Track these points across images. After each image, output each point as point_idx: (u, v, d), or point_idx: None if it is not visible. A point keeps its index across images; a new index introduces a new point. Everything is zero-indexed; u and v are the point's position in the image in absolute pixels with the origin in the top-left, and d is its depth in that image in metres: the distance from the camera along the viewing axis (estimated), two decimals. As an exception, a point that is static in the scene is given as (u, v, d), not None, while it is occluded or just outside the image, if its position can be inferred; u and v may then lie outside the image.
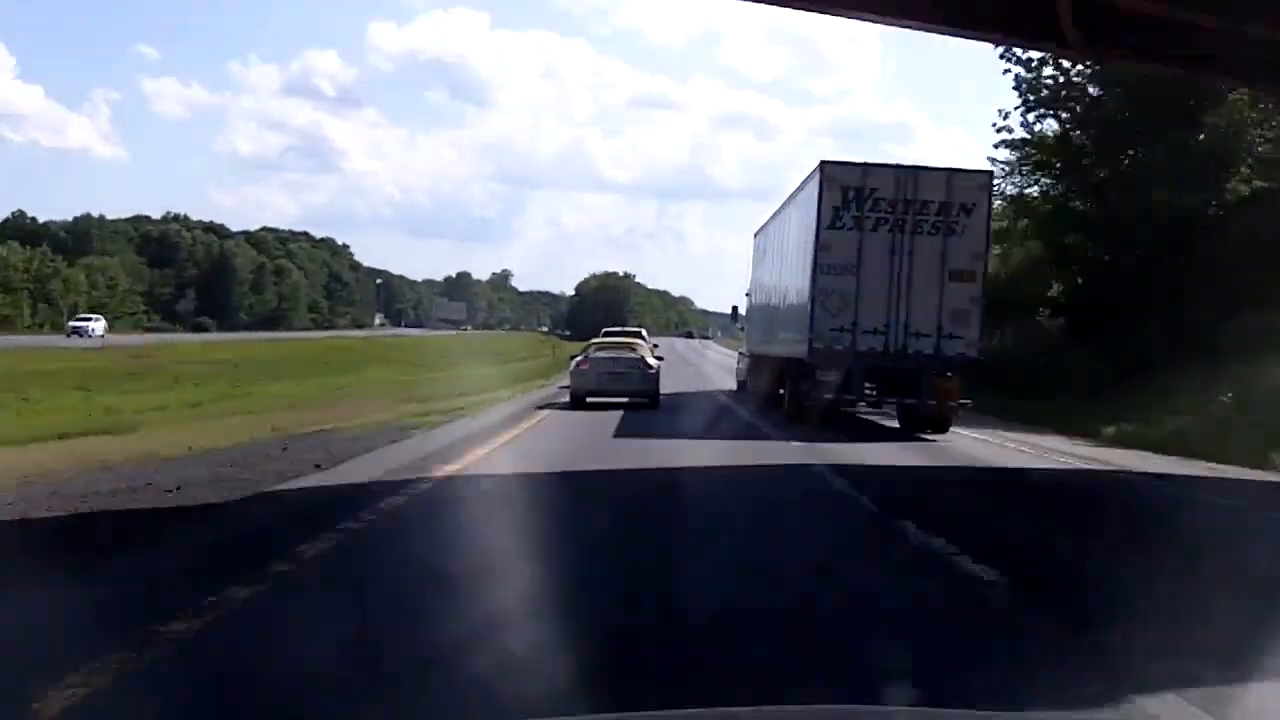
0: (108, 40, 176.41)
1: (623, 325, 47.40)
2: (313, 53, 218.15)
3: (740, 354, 30.13)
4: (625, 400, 19.00)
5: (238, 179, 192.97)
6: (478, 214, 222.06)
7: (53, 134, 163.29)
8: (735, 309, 29.65)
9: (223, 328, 78.27)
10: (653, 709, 3.38)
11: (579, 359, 19.82)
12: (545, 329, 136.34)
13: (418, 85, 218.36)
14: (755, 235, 26.58)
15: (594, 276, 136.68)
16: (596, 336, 26.37)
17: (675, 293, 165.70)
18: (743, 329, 28.34)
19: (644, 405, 18.78)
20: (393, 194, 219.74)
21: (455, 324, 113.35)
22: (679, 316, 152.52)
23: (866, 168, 15.94)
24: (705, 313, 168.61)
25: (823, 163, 16.04)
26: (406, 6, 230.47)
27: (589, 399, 18.77)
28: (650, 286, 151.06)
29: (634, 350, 20.17)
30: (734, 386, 28.84)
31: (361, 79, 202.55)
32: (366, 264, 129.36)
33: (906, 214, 15.43)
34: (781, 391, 19.41)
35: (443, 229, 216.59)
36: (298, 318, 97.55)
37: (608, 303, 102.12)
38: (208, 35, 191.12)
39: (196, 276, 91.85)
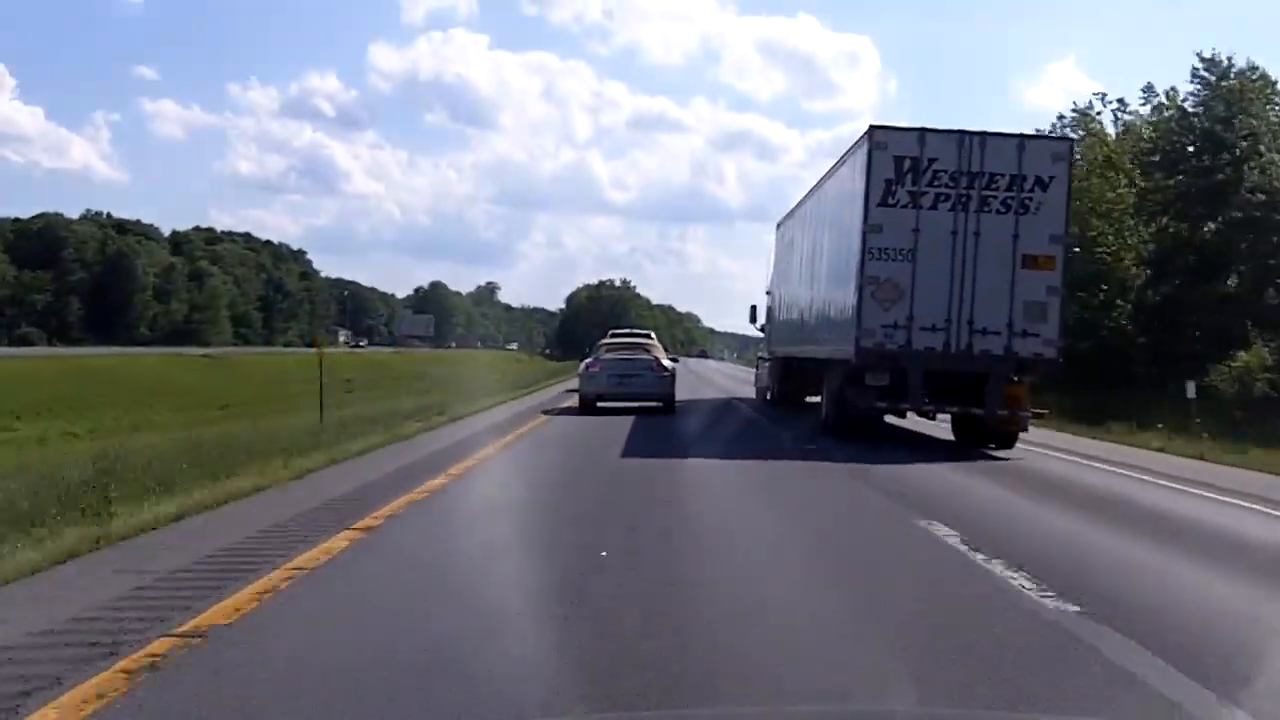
0: (108, 63, 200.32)
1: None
2: (313, 74, 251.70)
3: (759, 358, 31.10)
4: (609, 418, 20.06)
5: (238, 201, 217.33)
6: (479, 235, 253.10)
7: (54, 155, 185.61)
8: (754, 309, 30.32)
9: (111, 342, 77.75)
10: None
11: (589, 361, 21.50)
12: (515, 346, 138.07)
13: (418, 107, 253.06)
14: (779, 225, 27.28)
15: (586, 287, 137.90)
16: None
17: (680, 309, 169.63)
18: (764, 329, 29.07)
19: (659, 410, 20.31)
20: (393, 214, 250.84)
21: (368, 342, 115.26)
22: (685, 333, 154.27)
23: (924, 133, 15.88)
24: (712, 331, 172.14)
25: (872, 127, 16.06)
26: (406, 28, 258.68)
27: (599, 403, 20.35)
28: (654, 303, 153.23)
29: (647, 351, 21.56)
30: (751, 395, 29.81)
31: (362, 101, 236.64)
32: (358, 280, 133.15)
33: (971, 189, 15.56)
34: (814, 399, 19.97)
35: (443, 250, 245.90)
36: (217, 332, 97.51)
37: (604, 315, 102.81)
38: (207, 57, 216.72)
39: (85, 281, 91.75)
